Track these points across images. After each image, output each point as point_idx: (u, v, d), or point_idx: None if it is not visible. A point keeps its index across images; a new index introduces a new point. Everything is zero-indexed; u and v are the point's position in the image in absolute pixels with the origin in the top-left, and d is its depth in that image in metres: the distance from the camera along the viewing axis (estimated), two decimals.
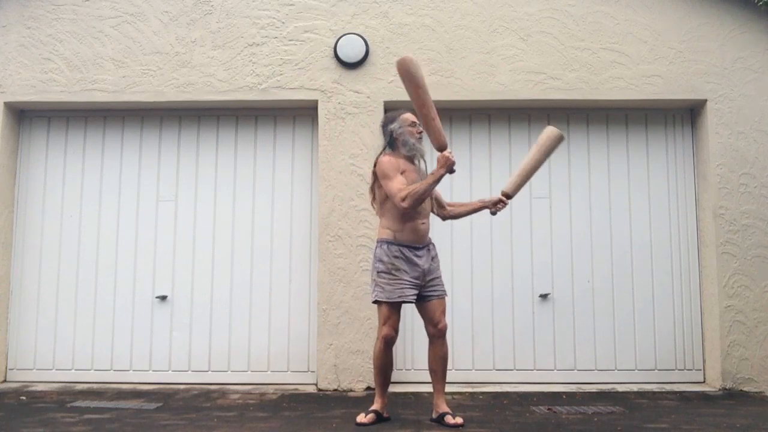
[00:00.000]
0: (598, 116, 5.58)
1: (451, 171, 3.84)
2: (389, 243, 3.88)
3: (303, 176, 5.52)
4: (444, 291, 4.00)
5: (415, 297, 3.90)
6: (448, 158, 3.78)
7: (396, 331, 3.88)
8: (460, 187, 5.40)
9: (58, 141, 5.60)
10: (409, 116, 4.04)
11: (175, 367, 5.36)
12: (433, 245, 4.04)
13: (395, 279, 3.83)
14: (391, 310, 3.86)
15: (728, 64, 5.36)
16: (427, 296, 3.92)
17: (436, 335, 3.92)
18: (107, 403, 4.62)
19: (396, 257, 3.85)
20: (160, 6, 5.44)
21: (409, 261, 3.86)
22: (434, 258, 4.00)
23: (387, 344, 3.88)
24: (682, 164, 5.54)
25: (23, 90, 5.39)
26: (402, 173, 3.90)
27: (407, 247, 3.88)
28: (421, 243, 3.92)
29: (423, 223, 3.93)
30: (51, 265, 5.46)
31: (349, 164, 5.27)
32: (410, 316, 4.94)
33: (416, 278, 3.87)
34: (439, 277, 3.99)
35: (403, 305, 3.98)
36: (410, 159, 4.00)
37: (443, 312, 3.96)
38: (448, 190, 5.05)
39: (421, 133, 4.00)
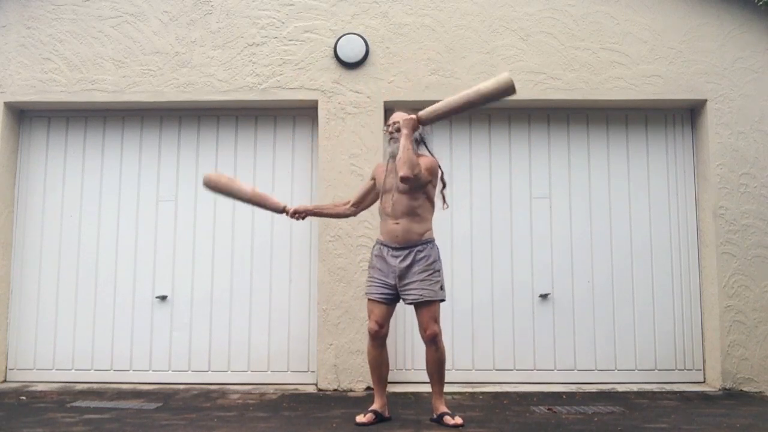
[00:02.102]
0: (598, 116, 5.58)
1: (415, 130, 3.87)
2: (377, 241, 4.02)
3: (303, 176, 5.52)
4: (419, 297, 3.79)
5: (384, 296, 3.89)
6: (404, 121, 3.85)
7: (379, 325, 3.89)
8: (460, 187, 5.40)
9: (58, 141, 5.60)
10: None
11: (175, 367, 5.36)
12: (428, 250, 3.85)
13: (370, 276, 3.98)
14: (371, 304, 3.95)
15: (728, 64, 5.36)
16: (403, 299, 3.89)
17: (425, 341, 3.89)
18: (107, 403, 4.62)
19: (375, 255, 3.97)
20: (160, 6, 5.44)
21: (384, 260, 3.90)
22: (417, 262, 3.81)
23: (372, 338, 3.93)
24: (682, 164, 5.54)
25: (23, 90, 5.39)
26: (373, 179, 4.12)
27: (386, 246, 3.92)
28: (395, 243, 3.87)
29: (396, 224, 3.87)
30: (51, 265, 5.46)
31: (349, 164, 5.27)
32: (409, 317, 4.93)
33: (389, 278, 3.87)
34: (415, 281, 3.80)
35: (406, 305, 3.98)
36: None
37: (431, 318, 3.81)
38: (447, 189, 5.02)
39: (391, 133, 3.99)
